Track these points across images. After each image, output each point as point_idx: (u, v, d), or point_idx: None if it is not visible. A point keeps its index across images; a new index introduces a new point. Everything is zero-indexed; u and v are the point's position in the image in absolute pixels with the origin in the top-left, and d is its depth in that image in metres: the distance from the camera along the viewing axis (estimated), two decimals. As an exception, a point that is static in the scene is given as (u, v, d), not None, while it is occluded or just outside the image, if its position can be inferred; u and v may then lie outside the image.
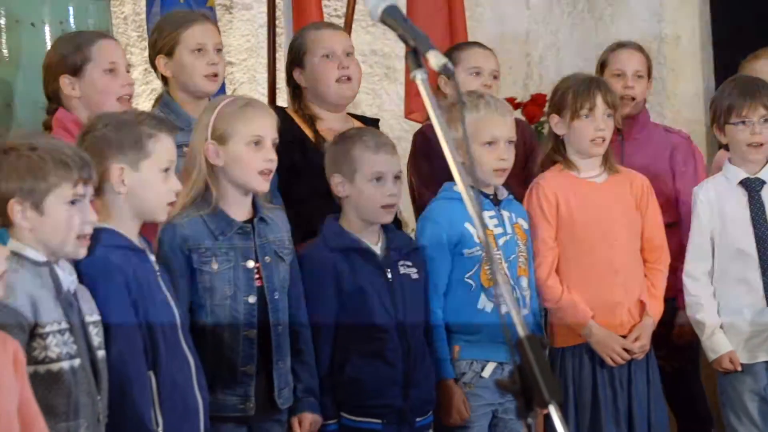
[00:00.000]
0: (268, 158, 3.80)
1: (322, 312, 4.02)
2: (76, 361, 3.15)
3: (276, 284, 3.84)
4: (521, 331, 2.39)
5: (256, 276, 3.81)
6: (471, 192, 2.44)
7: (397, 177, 4.13)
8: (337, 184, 4.12)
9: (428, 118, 4.53)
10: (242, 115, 3.80)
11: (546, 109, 4.64)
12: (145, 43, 5.67)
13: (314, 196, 4.31)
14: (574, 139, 4.49)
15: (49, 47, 4.36)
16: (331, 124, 4.50)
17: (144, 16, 5.38)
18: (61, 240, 3.16)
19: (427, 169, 4.73)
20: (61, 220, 3.14)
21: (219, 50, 4.38)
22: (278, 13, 5.74)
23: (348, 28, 5.62)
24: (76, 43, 4.09)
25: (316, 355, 4.00)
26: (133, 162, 3.44)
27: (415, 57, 2.52)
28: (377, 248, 4.13)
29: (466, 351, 4.26)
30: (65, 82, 4.07)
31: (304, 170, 4.38)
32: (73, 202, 3.15)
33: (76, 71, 4.07)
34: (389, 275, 4.10)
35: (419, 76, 2.49)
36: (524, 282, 4.36)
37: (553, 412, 2.32)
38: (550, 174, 4.53)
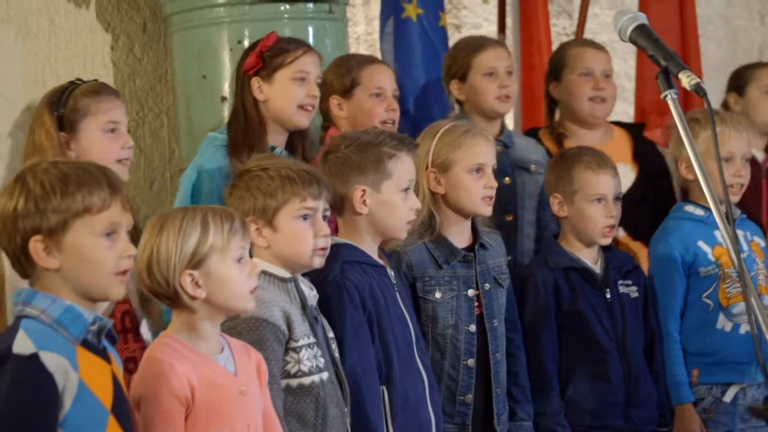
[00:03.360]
0: (490, 185, 3.80)
1: (547, 331, 4.01)
2: (325, 375, 3.20)
3: (495, 311, 3.83)
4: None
5: (476, 304, 3.81)
6: (722, 210, 2.41)
7: (618, 198, 4.07)
8: (557, 204, 4.10)
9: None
10: (464, 142, 3.80)
11: None
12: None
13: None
14: None
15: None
16: (583, 140, 4.49)
17: (376, 36, 5.46)
18: (297, 253, 3.21)
19: None
20: (293, 233, 3.19)
21: (510, 73, 4.51)
22: (507, 32, 5.75)
23: (576, 47, 5.59)
24: (348, 66, 4.29)
25: (545, 374, 3.99)
26: (375, 183, 3.47)
27: (665, 77, 2.51)
28: (596, 267, 4.09)
29: (705, 375, 4.18)
30: (334, 102, 4.26)
31: None
32: (304, 217, 3.20)
33: (345, 93, 4.26)
34: (608, 295, 4.06)
35: (671, 96, 2.48)
36: (766, 300, 4.25)
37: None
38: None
